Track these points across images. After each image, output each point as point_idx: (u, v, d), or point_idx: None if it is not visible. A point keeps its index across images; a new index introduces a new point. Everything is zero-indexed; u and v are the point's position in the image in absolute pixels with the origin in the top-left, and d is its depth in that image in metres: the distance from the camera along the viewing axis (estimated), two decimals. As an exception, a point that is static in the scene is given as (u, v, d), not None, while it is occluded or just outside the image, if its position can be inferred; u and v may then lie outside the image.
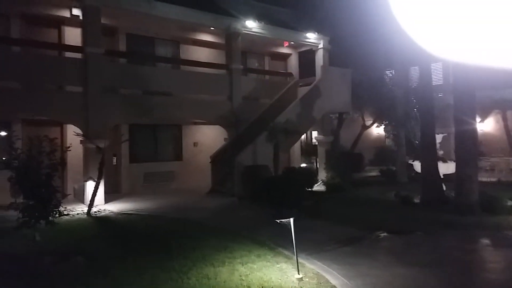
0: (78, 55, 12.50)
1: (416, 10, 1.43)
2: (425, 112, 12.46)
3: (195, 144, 16.80)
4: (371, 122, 19.30)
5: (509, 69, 1.45)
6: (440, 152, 13.27)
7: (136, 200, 12.86)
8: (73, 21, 13.36)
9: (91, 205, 10.64)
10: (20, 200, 6.76)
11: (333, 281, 5.56)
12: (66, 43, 13.54)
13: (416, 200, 11.54)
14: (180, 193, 14.27)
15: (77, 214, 10.42)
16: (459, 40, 1.40)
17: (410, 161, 15.09)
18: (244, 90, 15.95)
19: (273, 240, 7.49)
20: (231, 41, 15.54)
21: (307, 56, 18.73)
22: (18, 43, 12.63)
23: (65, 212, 7.36)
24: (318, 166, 17.58)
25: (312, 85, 16.64)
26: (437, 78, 19.52)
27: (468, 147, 10.51)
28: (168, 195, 13.81)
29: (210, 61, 16.35)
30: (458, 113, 10.69)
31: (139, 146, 15.45)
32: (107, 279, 5.67)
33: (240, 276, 5.72)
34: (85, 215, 10.32)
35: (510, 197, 10.42)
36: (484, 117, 16.36)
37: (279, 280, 5.55)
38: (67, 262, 6.39)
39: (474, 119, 10.87)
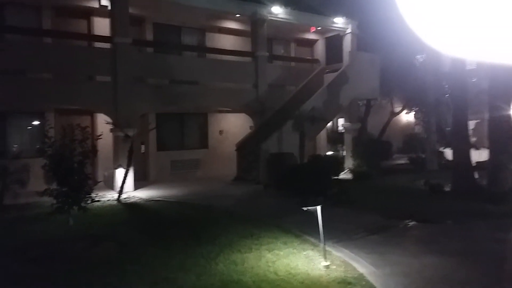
0: (107, 45, 12.72)
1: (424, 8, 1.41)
2: (458, 98, 12.05)
3: (220, 132, 16.89)
4: (400, 108, 18.86)
5: None
6: (473, 139, 12.86)
7: (164, 187, 13.11)
8: (101, 12, 13.55)
9: (121, 191, 10.91)
10: (53, 186, 7.00)
11: (361, 269, 5.52)
12: (95, 33, 13.79)
13: (447, 189, 11.25)
14: (206, 181, 14.44)
15: (108, 200, 10.72)
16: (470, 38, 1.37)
17: (441, 149, 14.69)
18: (269, 77, 15.84)
19: (299, 228, 7.48)
20: (256, 28, 15.42)
21: (334, 42, 18.37)
22: (49, 34, 12.95)
23: (97, 199, 7.58)
24: (344, 154, 17.37)
25: (339, 71, 16.35)
26: (470, 63, 18.78)
27: (503, 134, 10.14)
28: (194, 183, 13.99)
29: (235, 49, 16.30)
30: (492, 99, 10.30)
31: (166, 134, 15.67)
32: (138, 263, 5.83)
33: (267, 262, 5.76)
34: (116, 202, 10.61)
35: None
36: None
37: (306, 267, 5.56)
38: (99, 246, 6.61)
39: (509, 105, 10.44)
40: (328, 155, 17.55)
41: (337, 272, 5.40)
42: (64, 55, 11.89)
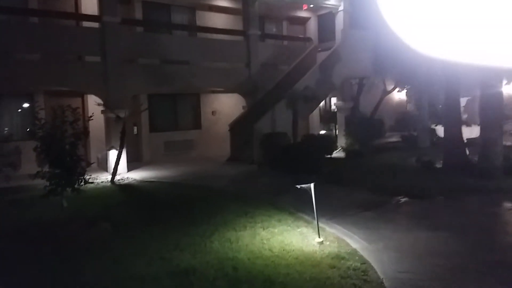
0: (95, 25, 12.45)
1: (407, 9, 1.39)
2: (450, 75, 12.05)
3: (213, 113, 16.81)
4: (392, 87, 18.83)
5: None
6: (464, 116, 12.94)
7: (157, 168, 13.09)
8: (88, -10, 13.24)
9: (114, 173, 10.88)
10: (46, 169, 6.94)
11: (354, 245, 5.61)
12: (83, 12, 13.46)
13: (438, 165, 11.37)
14: (199, 161, 14.44)
15: (102, 182, 10.70)
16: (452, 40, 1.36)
17: (433, 126, 14.78)
18: (261, 56, 15.68)
19: (293, 206, 7.55)
20: (248, 5, 15.16)
21: (326, 20, 18.16)
22: (36, 13, 12.61)
23: (90, 180, 7.53)
24: (337, 132, 17.42)
25: (331, 50, 16.21)
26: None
27: (493, 111, 10.21)
28: (188, 163, 13.98)
29: (226, 28, 16.06)
30: (484, 77, 10.32)
31: (158, 116, 15.56)
32: (133, 244, 5.86)
33: (262, 239, 5.82)
34: (109, 183, 10.60)
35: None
36: (510, 79, 15.70)
37: (300, 244, 5.63)
38: (94, 228, 6.62)
39: (500, 82, 10.50)
40: (321, 134, 17.59)
41: (330, 248, 5.49)
42: (51, 35, 11.61)
